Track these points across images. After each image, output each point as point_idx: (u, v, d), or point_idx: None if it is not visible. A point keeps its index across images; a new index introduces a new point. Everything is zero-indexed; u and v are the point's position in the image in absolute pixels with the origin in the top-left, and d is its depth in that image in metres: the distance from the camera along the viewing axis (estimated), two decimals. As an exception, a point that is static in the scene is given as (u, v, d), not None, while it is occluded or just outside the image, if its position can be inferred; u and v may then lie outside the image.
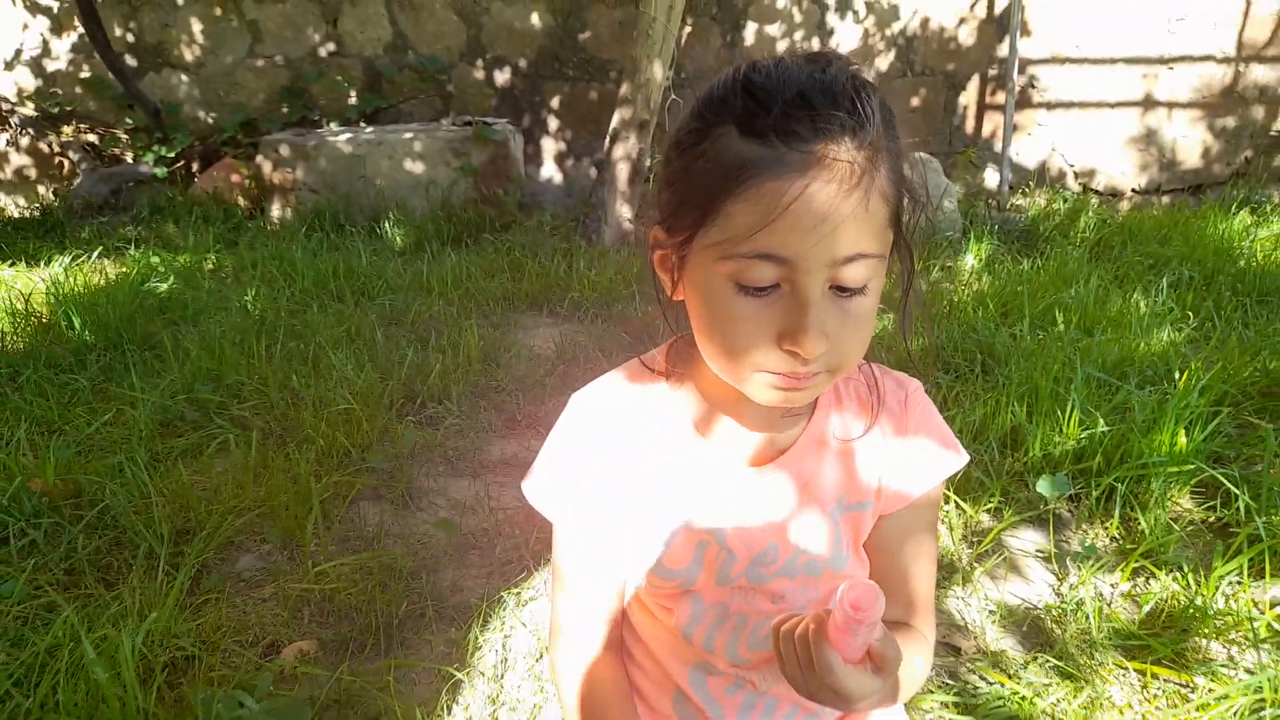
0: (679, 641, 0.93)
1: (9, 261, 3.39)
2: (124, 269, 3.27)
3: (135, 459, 1.74)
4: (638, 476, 0.88)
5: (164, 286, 3.00)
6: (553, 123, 4.71)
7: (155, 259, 3.36)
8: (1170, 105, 4.46)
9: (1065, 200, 4.33)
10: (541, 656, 1.30)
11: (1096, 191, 4.64)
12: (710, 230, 0.68)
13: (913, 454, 0.87)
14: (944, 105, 4.64)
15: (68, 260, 3.35)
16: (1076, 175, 4.64)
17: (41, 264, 3.34)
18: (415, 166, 4.03)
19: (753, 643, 0.89)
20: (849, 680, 0.67)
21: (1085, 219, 3.87)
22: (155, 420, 1.98)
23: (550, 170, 4.77)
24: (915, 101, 4.64)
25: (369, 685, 1.22)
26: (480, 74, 4.61)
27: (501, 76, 4.62)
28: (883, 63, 4.58)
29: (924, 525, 0.91)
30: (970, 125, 4.66)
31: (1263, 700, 1.15)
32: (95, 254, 3.44)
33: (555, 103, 4.66)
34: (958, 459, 0.88)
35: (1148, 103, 4.46)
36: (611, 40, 4.54)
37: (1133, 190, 4.62)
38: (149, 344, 2.46)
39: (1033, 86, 4.53)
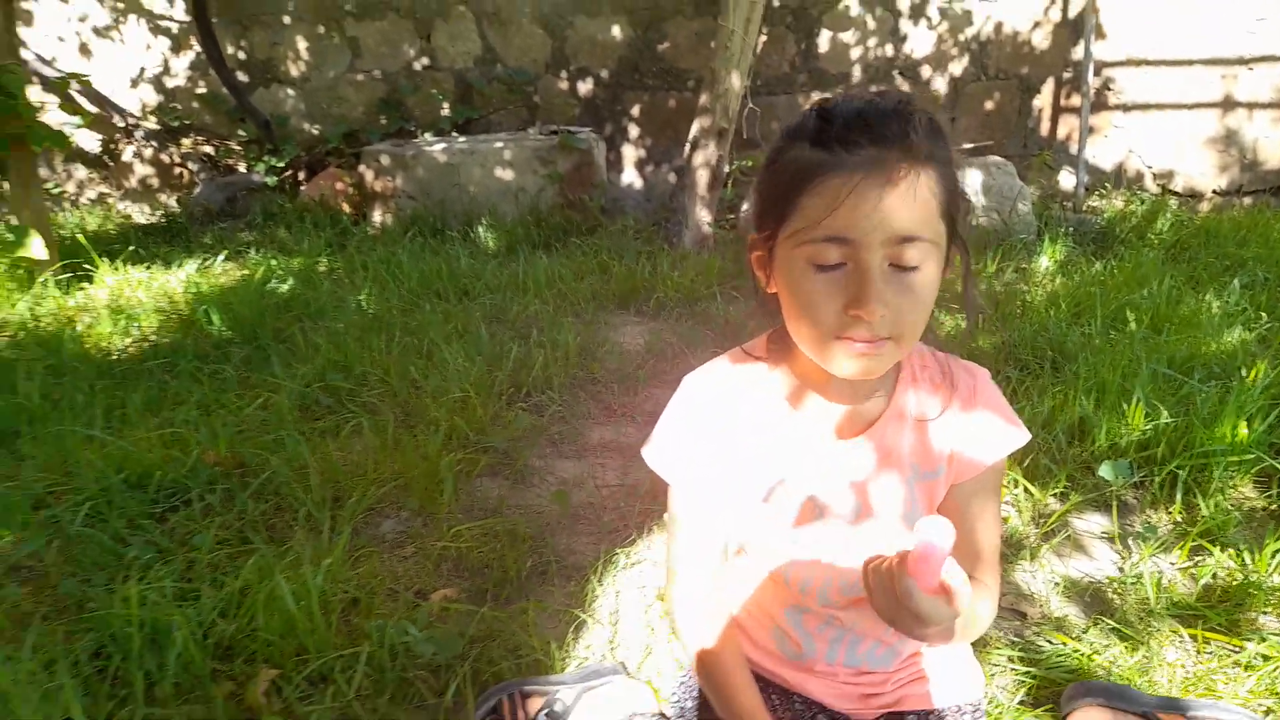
0: (779, 585, 1.11)
1: (144, 264, 3.73)
2: (246, 271, 3.58)
3: (290, 435, 1.99)
4: (741, 445, 1.07)
5: (284, 287, 3.29)
6: (633, 130, 4.91)
7: (273, 262, 3.66)
8: (1251, 106, 4.45)
9: (1142, 202, 4.36)
10: (649, 608, 1.49)
11: (1175, 193, 4.64)
12: (789, 223, 0.89)
13: (980, 430, 1.04)
14: (1018, 109, 4.70)
15: (197, 263, 3.67)
16: (1155, 177, 4.66)
17: (174, 266, 3.66)
18: (505, 174, 4.28)
19: (842, 588, 1.07)
20: (925, 605, 0.82)
21: (1162, 220, 3.91)
22: (296, 405, 2.23)
23: (631, 176, 4.97)
24: (989, 105, 4.71)
25: (508, 624, 1.42)
26: (564, 85, 4.85)
27: (584, 87, 4.84)
28: (956, 67, 4.67)
29: (988, 491, 1.07)
30: (1045, 128, 4.71)
31: (1306, 660, 1.28)
32: (220, 257, 3.76)
33: (635, 111, 4.87)
34: (1020, 435, 1.04)
35: (1227, 103, 4.46)
36: (689, 50, 4.73)
37: (1213, 191, 4.62)
38: (280, 338, 2.73)
39: (1109, 89, 4.56)
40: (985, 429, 1.04)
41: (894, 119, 0.85)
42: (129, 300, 3.17)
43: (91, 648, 1.36)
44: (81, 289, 3.36)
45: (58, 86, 3.81)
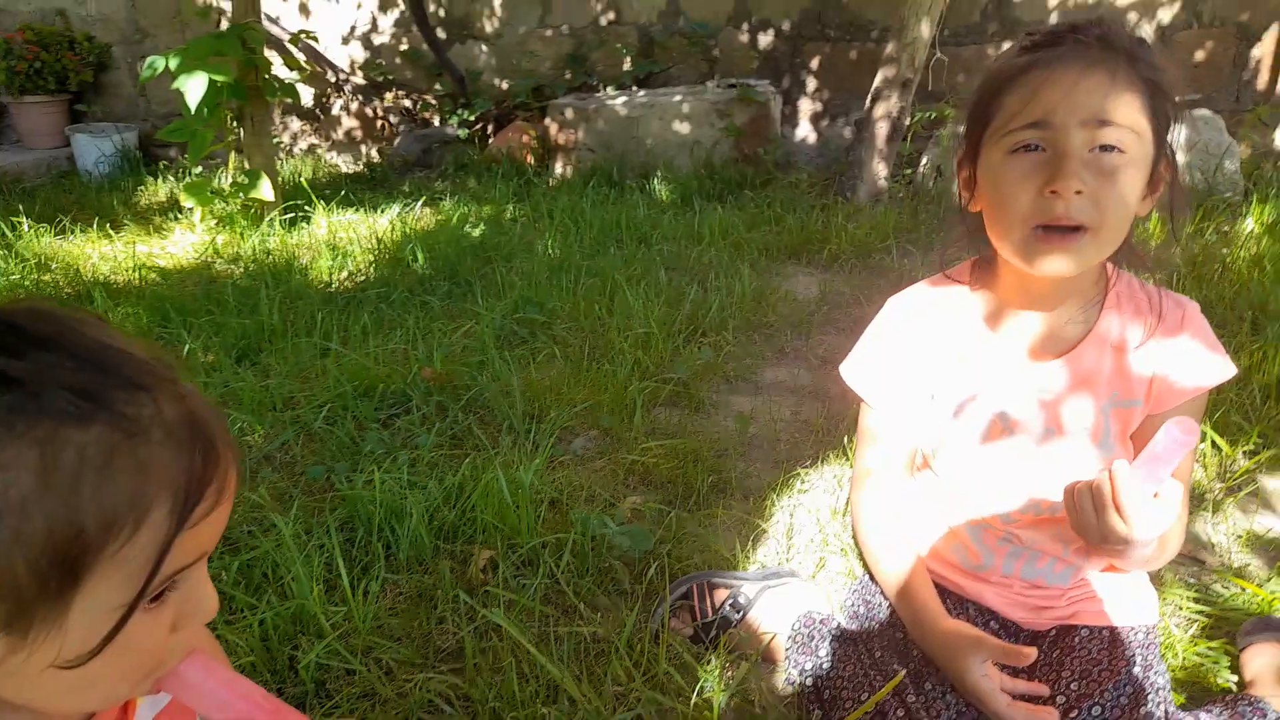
0: (962, 500, 1.18)
1: (354, 208, 4.10)
2: (441, 216, 3.87)
3: (494, 358, 2.20)
4: (936, 362, 1.15)
5: (477, 232, 3.54)
6: (810, 84, 4.89)
7: (466, 209, 3.94)
8: None
9: (1374, 162, 3.97)
10: (823, 527, 1.59)
11: None
12: (992, 124, 0.97)
13: (1184, 359, 1.06)
14: (1233, 59, 4.36)
15: (398, 208, 4.00)
16: (1392, 134, 4.22)
17: (379, 211, 4.01)
18: (682, 127, 4.39)
19: (1024, 506, 1.13)
20: (1139, 515, 0.88)
21: (1396, 182, 3.56)
22: (495, 334, 2.45)
23: (805, 130, 4.97)
24: (1200, 55, 4.39)
25: (694, 527, 1.57)
26: (745, 37, 4.88)
27: (765, 39, 4.86)
28: (1165, 14, 4.38)
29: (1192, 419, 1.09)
30: (1263, 81, 4.35)
31: None
32: (419, 203, 4.08)
33: (815, 64, 4.84)
34: (1226, 367, 1.06)
35: None
36: (874, 0, 4.64)
37: None
38: (479, 276, 2.97)
39: (1344, 36, 4.15)
40: (1189, 358, 1.06)
41: (1095, 25, 0.92)
42: (343, 239, 3.52)
43: (339, 521, 1.61)
44: (302, 228, 3.74)
45: (285, 44, 4.21)
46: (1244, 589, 1.36)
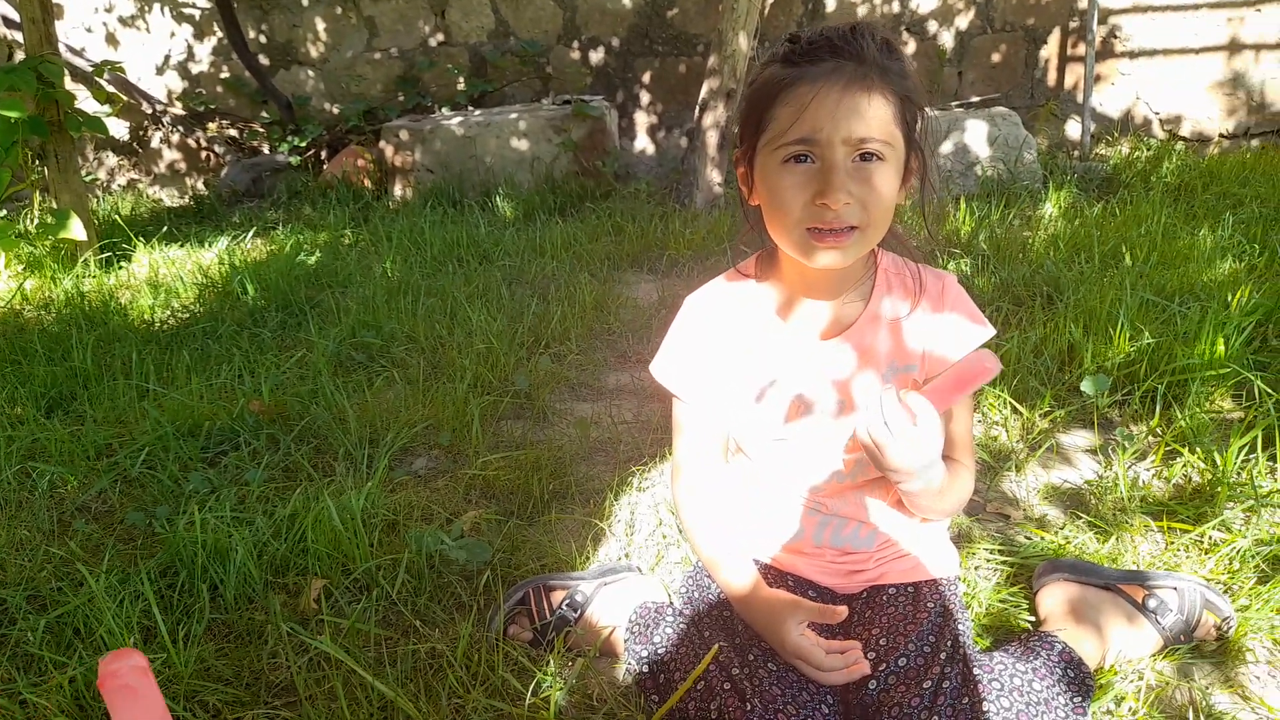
0: (770, 477, 1.24)
1: (178, 243, 3.90)
2: (275, 245, 3.73)
3: (327, 386, 2.14)
4: (736, 352, 1.21)
5: (312, 259, 3.44)
6: (644, 97, 5.00)
7: (300, 236, 3.81)
8: (1258, 47, 4.46)
9: (1149, 148, 4.40)
10: (661, 522, 1.62)
11: (1183, 138, 4.67)
12: (766, 133, 1.05)
13: (949, 329, 1.17)
14: (1024, 60, 4.74)
15: (228, 240, 3.83)
16: (1162, 123, 4.69)
17: (205, 245, 3.83)
18: (521, 144, 4.40)
19: (826, 478, 1.20)
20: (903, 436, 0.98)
21: (1167, 164, 3.96)
22: (330, 361, 2.38)
23: (643, 142, 5.07)
24: (996, 58, 4.75)
25: (533, 535, 1.57)
26: (576, 54, 4.94)
27: (596, 56, 4.94)
28: (962, 21, 4.71)
29: None
30: (1052, 78, 4.75)
31: (1265, 543, 1.39)
32: (250, 234, 3.92)
33: (646, 78, 4.96)
34: (985, 331, 1.17)
35: (1233, 46, 4.48)
36: (698, 15, 4.80)
37: (1220, 135, 4.64)
38: (312, 304, 2.88)
39: (1114, 36, 4.59)
40: (954, 327, 1.16)
41: (851, 36, 1.01)
42: (166, 276, 3.34)
43: (159, 566, 1.52)
44: (121, 267, 3.53)
45: (91, 76, 3.97)
46: (1041, 537, 1.48)
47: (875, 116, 0.98)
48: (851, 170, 0.99)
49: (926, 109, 1.07)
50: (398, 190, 4.49)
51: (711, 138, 3.90)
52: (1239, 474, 1.58)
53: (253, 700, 1.24)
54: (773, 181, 1.04)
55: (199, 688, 1.25)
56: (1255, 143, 4.60)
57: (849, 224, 1.00)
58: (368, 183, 4.61)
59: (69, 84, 4.62)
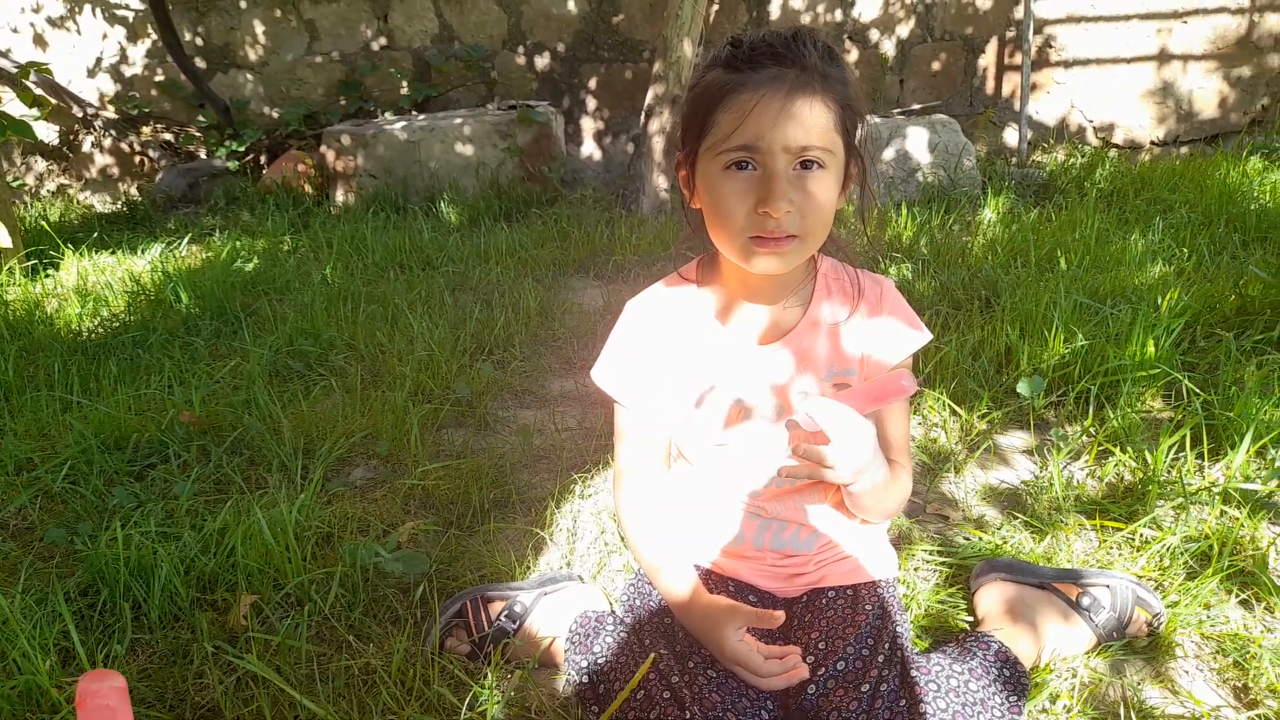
0: (711, 482, 1.24)
1: (109, 250, 3.78)
2: (211, 253, 3.64)
3: (262, 395, 2.08)
4: (676, 358, 1.20)
5: (250, 266, 3.35)
6: (590, 103, 4.99)
7: (238, 243, 3.72)
8: (1185, 58, 4.60)
9: (1083, 155, 4.51)
10: (604, 530, 1.60)
11: (1116, 145, 4.80)
12: (707, 138, 1.03)
13: (887, 334, 1.17)
14: (963, 68, 4.83)
15: (161, 247, 3.73)
16: (1096, 130, 4.81)
17: (138, 252, 3.71)
18: (465, 149, 4.35)
19: (766, 482, 1.20)
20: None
21: (1101, 171, 4.06)
22: (266, 370, 2.32)
23: (590, 148, 5.06)
24: (935, 66, 4.84)
25: (472, 545, 1.54)
26: (521, 60, 4.91)
27: (541, 61, 4.91)
28: (903, 30, 4.79)
29: None
30: (990, 86, 4.85)
31: (1193, 540, 1.42)
32: (185, 241, 3.82)
33: (592, 84, 4.95)
34: (922, 336, 1.18)
35: (1163, 56, 4.62)
36: (643, 21, 4.81)
37: (1151, 142, 4.78)
38: (249, 312, 2.81)
39: (1050, 46, 4.70)
40: (891, 333, 1.17)
41: (793, 42, 1.00)
42: (96, 284, 3.23)
43: (80, 585, 1.46)
44: (48, 275, 3.41)
45: (16, 78, 3.83)
46: (979, 538, 1.49)
47: (816, 124, 0.98)
48: (792, 178, 0.99)
49: (866, 116, 1.07)
50: (339, 196, 4.41)
51: (657, 143, 3.90)
52: (1169, 472, 1.62)
53: (176, 723, 1.19)
54: (714, 187, 1.03)
55: (119, 711, 1.20)
56: (1184, 150, 4.75)
57: (788, 232, 1.00)
58: (308, 188, 4.52)
59: (-7, 86, 4.48)
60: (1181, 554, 1.40)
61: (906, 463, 1.20)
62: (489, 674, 1.22)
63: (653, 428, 1.23)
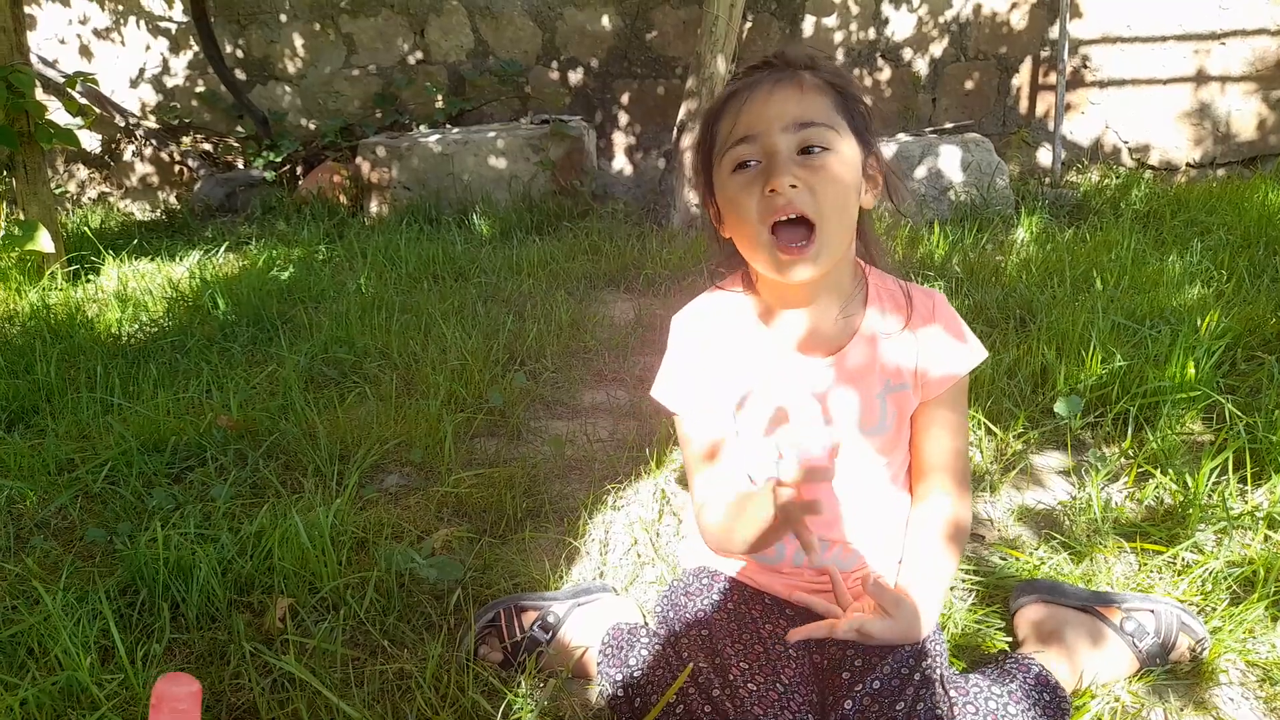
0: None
1: (149, 256, 3.85)
2: (247, 261, 3.69)
3: (298, 401, 2.10)
4: (721, 363, 1.19)
5: (285, 274, 3.40)
6: (623, 118, 5.02)
7: (274, 252, 3.77)
8: (1223, 79, 4.56)
9: (1118, 176, 4.47)
10: (636, 542, 1.60)
11: (1151, 167, 4.76)
12: (714, 150, 1.08)
13: (941, 349, 1.16)
14: (997, 88, 4.82)
15: (199, 254, 3.79)
16: (1131, 151, 4.77)
17: (177, 259, 3.78)
18: (498, 163, 4.39)
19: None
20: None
21: (1136, 192, 4.02)
22: (302, 377, 2.35)
23: (621, 162, 5.09)
24: (969, 85, 4.82)
25: (505, 553, 1.54)
26: (555, 75, 4.96)
27: (575, 76, 4.96)
28: (936, 49, 4.78)
29: (950, 405, 1.19)
30: (1024, 106, 4.83)
31: (1237, 564, 1.40)
32: (223, 248, 3.88)
33: (625, 99, 4.98)
34: (978, 353, 1.17)
35: (1200, 78, 4.57)
36: (676, 38, 4.84)
37: (1187, 164, 4.73)
38: (284, 319, 2.84)
39: (1085, 66, 4.67)
40: (944, 349, 1.16)
41: (782, 53, 1.07)
42: (135, 290, 3.29)
43: (120, 584, 1.48)
44: (89, 281, 3.47)
45: (63, 87, 3.92)
46: (1016, 558, 1.48)
47: (810, 100, 1.01)
48: (799, 161, 1.01)
49: (867, 102, 1.09)
50: (374, 207, 4.46)
51: (689, 159, 3.91)
52: (1210, 495, 1.59)
53: (213, 723, 1.20)
54: (728, 194, 1.05)
55: (157, 710, 1.21)
56: (1221, 172, 4.69)
57: (801, 212, 0.99)
58: (343, 199, 4.58)
59: (40, 95, 4.57)
60: (1225, 579, 1.37)
61: (956, 487, 1.17)
62: (522, 682, 1.23)
63: (716, 434, 1.23)
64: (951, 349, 1.16)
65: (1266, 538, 1.47)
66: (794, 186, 0.99)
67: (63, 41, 5.02)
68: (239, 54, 5.03)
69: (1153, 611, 1.23)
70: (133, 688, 1.23)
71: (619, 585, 1.48)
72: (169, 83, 5.12)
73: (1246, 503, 1.58)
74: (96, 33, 5.02)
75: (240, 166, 5.05)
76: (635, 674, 1.16)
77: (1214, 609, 1.32)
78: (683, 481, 1.81)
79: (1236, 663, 1.24)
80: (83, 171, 5.29)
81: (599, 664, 1.22)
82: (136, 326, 2.89)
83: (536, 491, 1.77)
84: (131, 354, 2.58)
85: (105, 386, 2.29)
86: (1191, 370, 1.90)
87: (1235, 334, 2.16)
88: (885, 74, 4.85)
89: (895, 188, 1.13)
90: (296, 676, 1.22)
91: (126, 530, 1.65)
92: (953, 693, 1.03)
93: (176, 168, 5.19)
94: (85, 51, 5.05)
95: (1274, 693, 1.19)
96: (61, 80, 4.44)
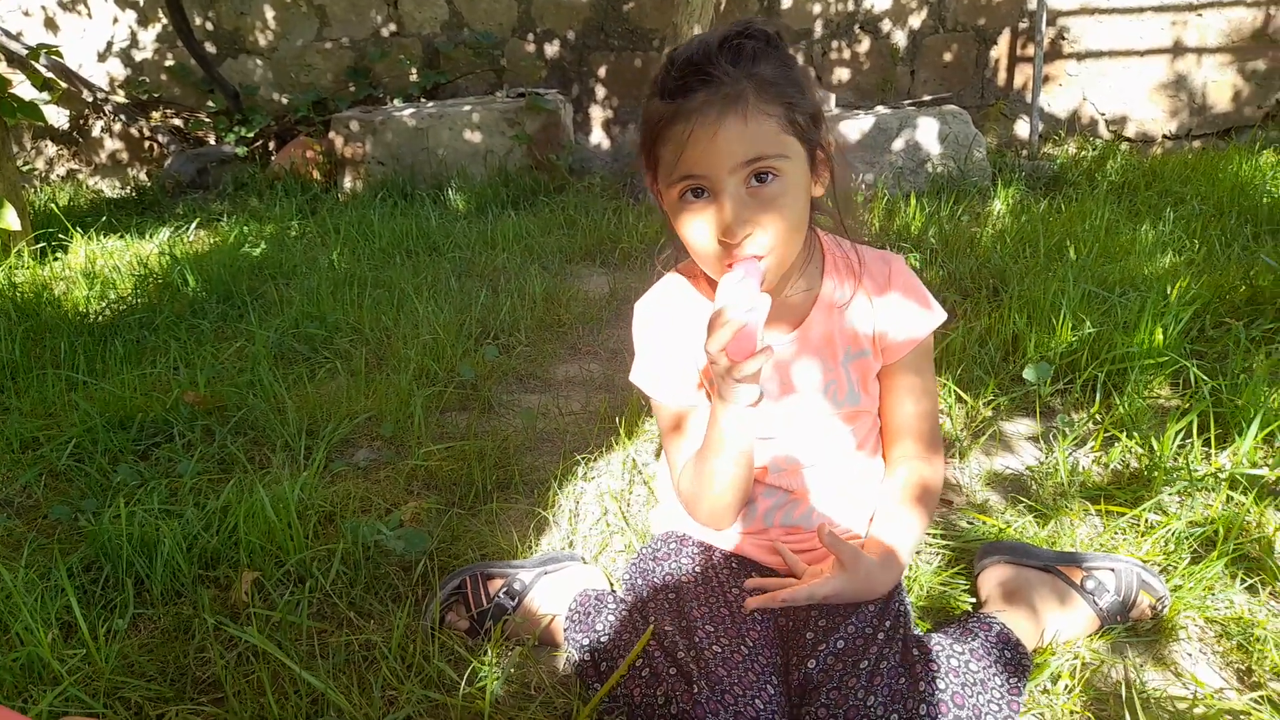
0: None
1: (118, 234, 3.79)
2: (219, 237, 3.64)
3: (267, 376, 2.08)
4: (687, 342, 1.19)
5: (257, 251, 3.36)
6: (599, 91, 4.98)
7: (246, 228, 3.73)
8: (1200, 51, 4.56)
9: (1095, 148, 4.48)
10: (606, 512, 1.60)
11: (1128, 138, 4.77)
12: (658, 171, 1.03)
13: (900, 313, 1.17)
14: (975, 60, 4.80)
15: (170, 231, 3.73)
16: (1108, 123, 4.78)
17: (146, 236, 3.72)
18: (474, 137, 4.35)
19: (776, 459, 1.19)
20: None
21: (1112, 163, 4.03)
22: (271, 353, 2.32)
23: (598, 136, 5.05)
24: (947, 57, 4.81)
25: (474, 525, 1.54)
26: (531, 47, 4.90)
27: (551, 49, 4.90)
28: (915, 20, 4.76)
29: (915, 369, 1.19)
30: (1002, 78, 4.82)
31: (1199, 524, 1.41)
32: (193, 225, 3.83)
33: (602, 72, 4.93)
34: (937, 315, 1.18)
35: (1177, 49, 4.58)
36: (653, 10, 4.79)
37: (1164, 136, 4.74)
38: (255, 296, 2.81)
39: (1063, 38, 4.66)
40: (905, 312, 1.16)
41: (721, 55, 0.96)
42: (104, 267, 3.24)
43: (84, 560, 1.46)
44: (56, 258, 3.42)
45: (27, 60, 3.84)
46: (983, 522, 1.48)
47: (758, 133, 0.96)
48: (746, 198, 0.97)
49: (818, 97, 1.05)
50: (347, 182, 4.41)
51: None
52: (1175, 458, 1.61)
53: (177, 697, 1.19)
54: (678, 219, 1.03)
55: (120, 684, 1.20)
56: (1196, 144, 4.71)
57: (755, 255, 0.99)
58: (316, 174, 4.52)
59: (3, 69, 4.49)
60: (1186, 539, 1.39)
61: (925, 450, 1.18)
62: (489, 650, 1.22)
63: (693, 412, 1.23)
64: (911, 312, 1.16)
65: (1229, 498, 1.48)
66: (749, 235, 0.97)
67: (27, 14, 4.90)
68: (209, 26, 4.94)
69: (1113, 570, 1.24)
70: (95, 662, 1.22)
71: (588, 555, 1.48)
72: (137, 56, 5.03)
73: (1210, 464, 1.60)
74: (62, 4, 4.91)
75: (211, 142, 4.97)
76: (602, 639, 1.16)
77: (1175, 568, 1.33)
78: (656, 452, 1.81)
79: (1196, 619, 1.26)
80: (51, 148, 5.20)
81: (566, 630, 1.22)
82: (104, 304, 2.85)
83: (507, 464, 1.77)
84: (98, 331, 2.55)
85: (71, 364, 2.25)
86: (1160, 336, 1.91)
87: (1204, 300, 2.17)
88: (864, 45, 4.82)
89: (840, 178, 1.11)
90: (261, 649, 1.22)
91: (91, 507, 1.64)
92: (915, 651, 1.03)
93: (146, 144, 5.10)
94: (50, 24, 4.94)
95: (1231, 647, 1.21)
96: (24, 53, 4.34)
